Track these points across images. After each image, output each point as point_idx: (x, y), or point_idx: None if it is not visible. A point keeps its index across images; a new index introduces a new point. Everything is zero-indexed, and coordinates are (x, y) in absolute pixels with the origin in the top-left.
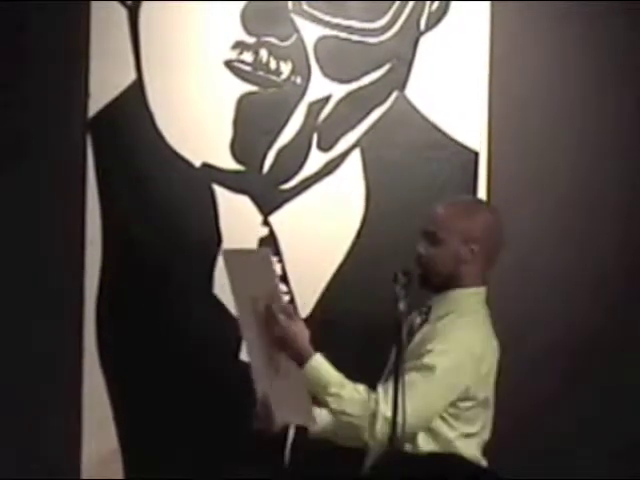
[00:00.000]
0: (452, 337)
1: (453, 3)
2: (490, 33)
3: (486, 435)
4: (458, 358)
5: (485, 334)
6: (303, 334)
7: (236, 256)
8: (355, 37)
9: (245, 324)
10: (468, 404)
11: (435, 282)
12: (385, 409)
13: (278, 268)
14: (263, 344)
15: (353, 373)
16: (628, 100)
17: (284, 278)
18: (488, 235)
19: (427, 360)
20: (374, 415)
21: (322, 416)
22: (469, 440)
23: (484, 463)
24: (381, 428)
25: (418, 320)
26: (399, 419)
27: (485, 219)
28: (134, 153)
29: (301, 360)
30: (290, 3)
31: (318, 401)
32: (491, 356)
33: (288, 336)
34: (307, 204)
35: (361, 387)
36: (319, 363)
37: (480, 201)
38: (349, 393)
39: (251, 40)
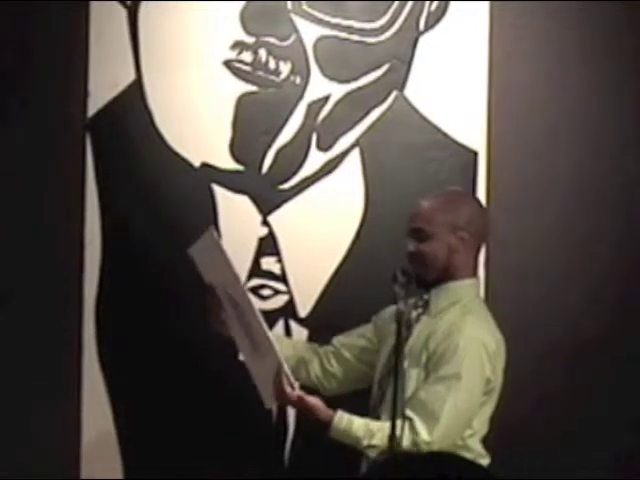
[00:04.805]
0: (465, 338)
1: (452, 3)
2: (489, 33)
3: (485, 429)
4: (477, 359)
5: (494, 328)
6: (317, 403)
7: (198, 251)
8: (354, 37)
9: (229, 318)
10: (483, 398)
11: (431, 278)
12: (425, 435)
13: (275, 265)
14: (244, 331)
15: None
16: (628, 100)
17: (284, 278)
18: (474, 222)
19: (449, 370)
20: (415, 444)
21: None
22: (475, 437)
23: (488, 458)
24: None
25: (414, 314)
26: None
27: (469, 207)
28: (133, 153)
29: (325, 425)
30: (289, 3)
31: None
32: (502, 349)
33: (306, 410)
34: (306, 204)
35: (389, 424)
36: (341, 423)
37: (460, 190)
38: (381, 438)
39: (250, 40)
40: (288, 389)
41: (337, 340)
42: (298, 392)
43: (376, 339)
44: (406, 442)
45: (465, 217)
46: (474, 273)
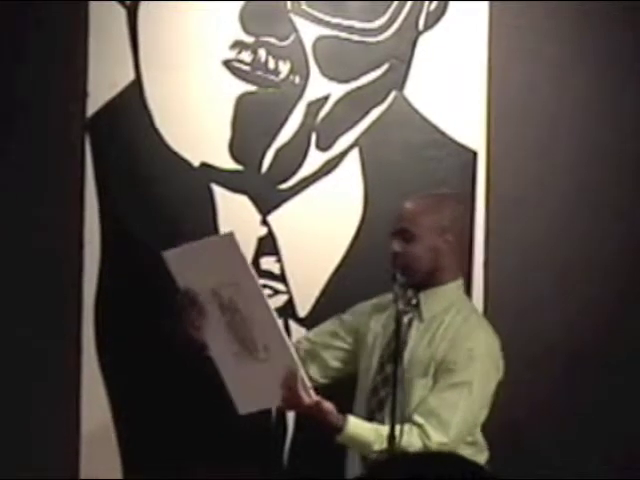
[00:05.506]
0: (475, 344)
1: (452, 3)
2: (489, 33)
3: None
4: (484, 365)
5: (492, 330)
6: (330, 407)
7: (182, 254)
8: (354, 37)
9: (209, 323)
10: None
11: (415, 280)
12: (438, 438)
13: (274, 265)
14: (232, 336)
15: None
16: (628, 100)
17: (283, 278)
18: (459, 223)
19: (461, 378)
20: (427, 448)
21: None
22: (479, 430)
23: (487, 452)
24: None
25: (405, 319)
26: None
27: (454, 208)
28: (132, 152)
29: (335, 430)
30: (289, 3)
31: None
32: (500, 351)
33: (320, 413)
34: (306, 204)
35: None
36: (352, 429)
37: (445, 192)
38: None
39: (250, 40)
40: (304, 395)
41: (308, 340)
42: (315, 397)
43: (350, 338)
44: (417, 446)
45: (451, 219)
46: (461, 275)
